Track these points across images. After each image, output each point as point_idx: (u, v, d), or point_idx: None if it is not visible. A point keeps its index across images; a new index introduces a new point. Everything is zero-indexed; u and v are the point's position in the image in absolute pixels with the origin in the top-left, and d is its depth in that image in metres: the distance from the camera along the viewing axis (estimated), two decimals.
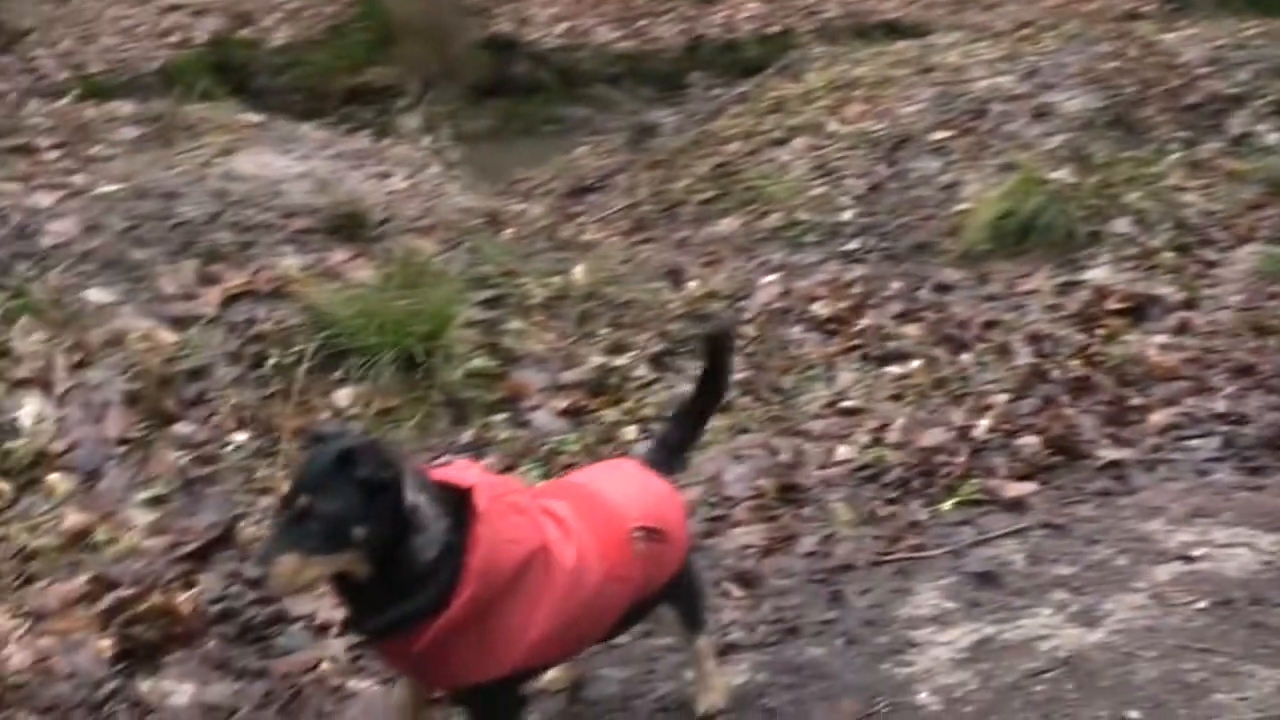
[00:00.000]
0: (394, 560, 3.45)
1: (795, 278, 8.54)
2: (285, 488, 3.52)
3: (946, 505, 5.74)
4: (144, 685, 4.61)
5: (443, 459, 6.06)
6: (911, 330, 7.58)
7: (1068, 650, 4.55)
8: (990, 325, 7.55)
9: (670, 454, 4.39)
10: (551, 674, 4.48)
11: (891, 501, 5.81)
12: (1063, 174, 9.12)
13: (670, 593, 4.14)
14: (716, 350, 4.45)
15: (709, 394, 4.46)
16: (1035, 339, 7.30)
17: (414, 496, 3.46)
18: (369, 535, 3.39)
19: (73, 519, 5.61)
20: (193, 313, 6.87)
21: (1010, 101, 10.60)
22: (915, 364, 7.13)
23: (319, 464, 3.44)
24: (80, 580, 5.21)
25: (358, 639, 4.10)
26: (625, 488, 4.04)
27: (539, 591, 3.58)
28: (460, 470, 3.71)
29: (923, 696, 4.36)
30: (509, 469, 6.05)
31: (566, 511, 3.80)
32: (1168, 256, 8.23)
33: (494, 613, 3.52)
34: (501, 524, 3.51)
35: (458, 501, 3.54)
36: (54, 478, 5.93)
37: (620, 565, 3.82)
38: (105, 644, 4.79)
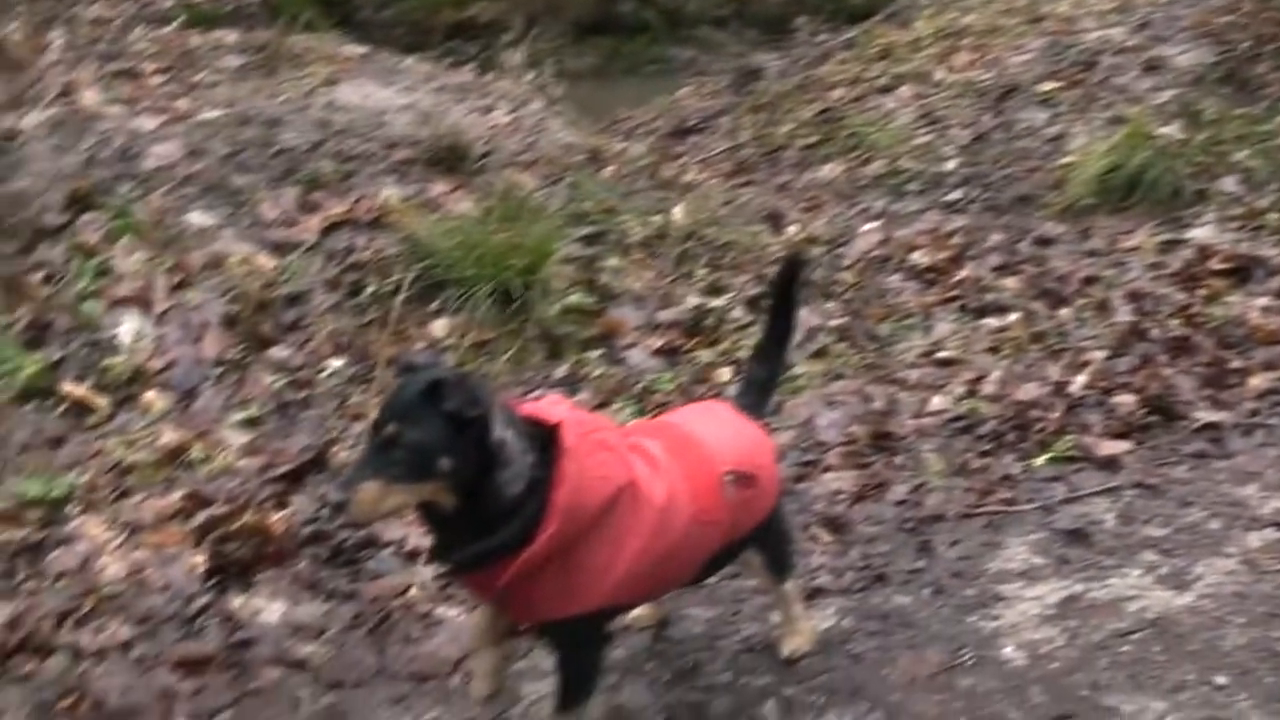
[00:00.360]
0: (479, 494, 3.45)
1: (896, 226, 8.49)
2: (375, 415, 3.53)
3: (1039, 460, 5.70)
4: (235, 601, 4.68)
5: (536, 393, 6.08)
6: (1010, 283, 7.51)
7: (1156, 612, 4.52)
8: (1090, 281, 7.46)
9: (760, 395, 4.39)
10: (637, 612, 4.48)
11: (984, 454, 5.77)
12: (1171, 129, 8.97)
13: (759, 538, 4.14)
14: (788, 280, 4.44)
15: (782, 325, 4.45)
16: (1135, 297, 7.20)
17: (501, 431, 3.45)
18: (454, 468, 3.40)
19: (169, 436, 5.69)
20: (292, 239, 6.92)
21: (1121, 54, 10.44)
22: (1013, 317, 7.06)
23: (408, 394, 3.45)
24: (175, 496, 5.29)
25: (443, 570, 4.12)
26: (719, 431, 4.03)
27: (625, 529, 3.58)
28: (549, 406, 3.69)
29: (1008, 651, 4.35)
30: (602, 406, 6.07)
31: (659, 451, 3.79)
32: (1274, 217, 8.08)
33: (579, 549, 3.52)
34: (589, 460, 3.51)
35: (545, 437, 3.54)
36: (151, 395, 6.01)
37: (710, 509, 3.81)
38: (198, 559, 4.86)
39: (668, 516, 3.65)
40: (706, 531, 3.80)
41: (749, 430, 4.11)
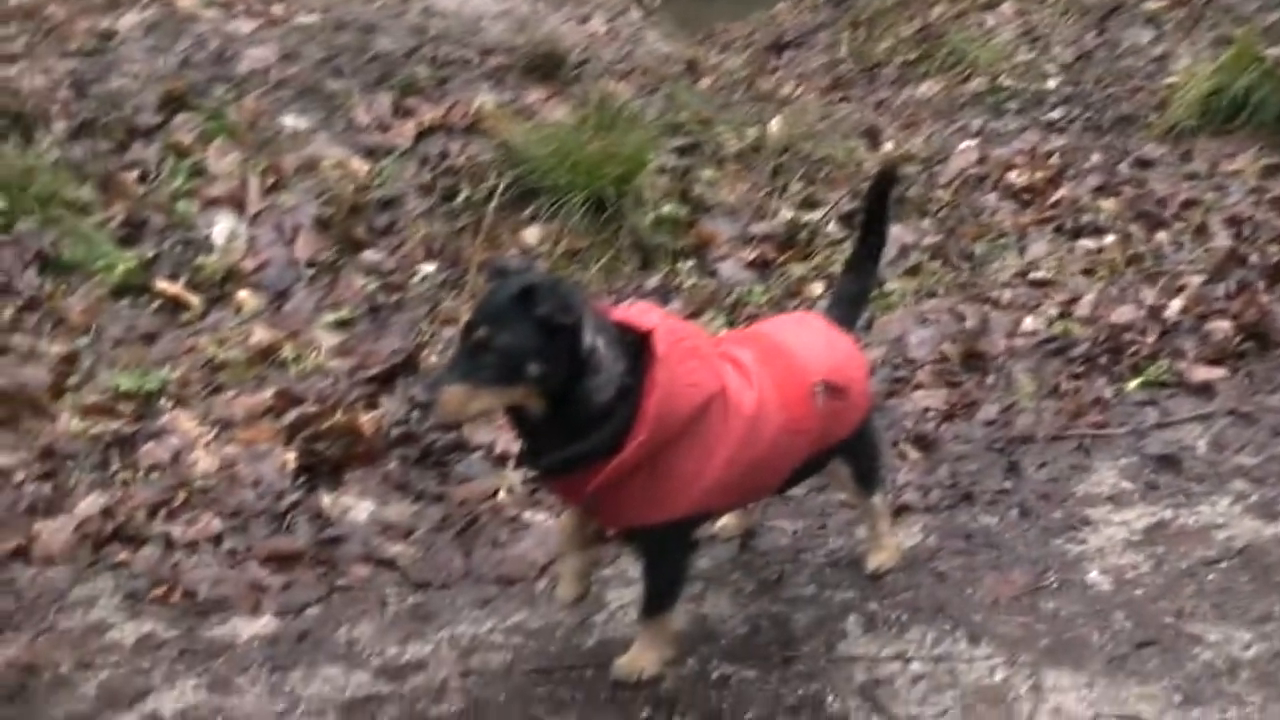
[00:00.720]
0: (569, 400, 3.45)
1: (993, 145, 8.42)
2: (466, 318, 3.52)
3: (1132, 385, 5.64)
4: (325, 499, 4.74)
5: (627, 303, 6.09)
6: (1108, 204, 7.43)
7: (1244, 541, 4.46)
8: (1189, 204, 7.36)
9: (851, 308, 4.36)
10: (723, 521, 4.51)
11: (1076, 377, 5.72)
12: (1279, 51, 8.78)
13: (847, 450, 4.12)
14: (880, 193, 4.40)
15: (875, 239, 4.41)
16: (1235, 222, 7.08)
17: (592, 338, 3.44)
18: (543, 373, 3.39)
19: (260, 335, 5.76)
20: (386, 144, 6.96)
21: None
22: (1109, 239, 6.99)
23: (500, 298, 3.45)
24: (266, 394, 5.35)
25: (532, 474, 4.12)
26: (810, 342, 4.00)
27: (715, 438, 3.57)
28: (641, 312, 3.67)
29: (1093, 575, 4.31)
30: (693, 317, 6.06)
31: (750, 360, 3.77)
32: None
33: (668, 457, 3.51)
34: (680, 368, 3.49)
35: (637, 344, 3.52)
36: (243, 294, 6.09)
37: (800, 418, 3.79)
38: (289, 457, 4.93)
39: (757, 426, 3.64)
40: (795, 441, 3.79)
41: (841, 342, 4.08)
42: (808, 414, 3.79)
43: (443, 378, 3.43)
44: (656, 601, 3.79)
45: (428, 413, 3.39)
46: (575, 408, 3.45)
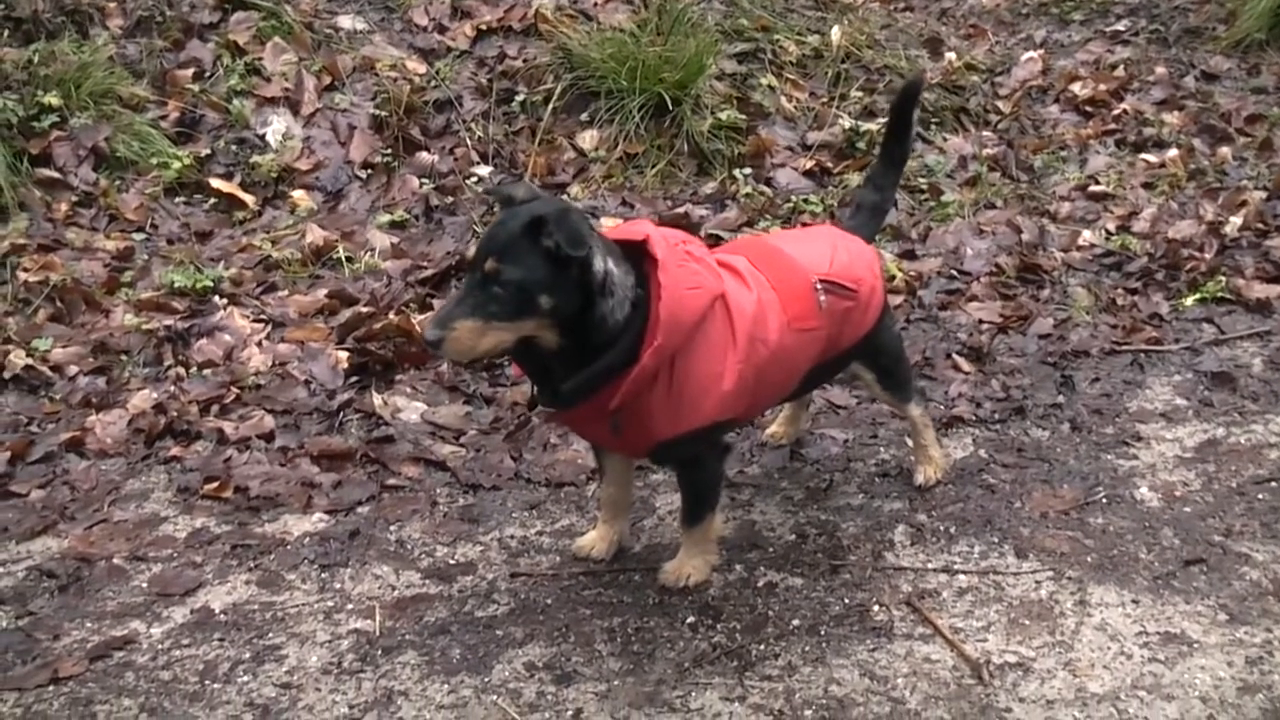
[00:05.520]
0: (584, 327, 3.39)
1: (1057, 56, 8.30)
2: (473, 250, 3.40)
3: (1189, 301, 5.61)
4: (376, 399, 4.76)
5: (682, 209, 6.08)
6: (1172, 118, 7.35)
7: None
8: (1255, 119, 7.29)
9: (869, 217, 4.34)
10: (773, 429, 4.54)
11: (1132, 292, 5.70)
12: None
13: (864, 352, 4.09)
14: (905, 104, 4.33)
15: (899, 150, 4.38)
16: None
17: (603, 263, 3.38)
18: (555, 305, 3.31)
19: (314, 235, 5.76)
20: (444, 45, 6.92)
21: None
22: (1171, 153, 6.92)
23: (508, 229, 3.34)
24: (320, 294, 5.38)
25: (548, 411, 3.97)
26: (810, 247, 3.97)
27: (724, 340, 3.54)
28: (633, 225, 3.65)
29: (1143, 491, 4.30)
30: (749, 224, 6.04)
31: (744, 265, 3.74)
32: None
33: (683, 364, 3.48)
34: (680, 271, 3.45)
35: (637, 254, 3.49)
36: (298, 194, 6.10)
37: (804, 315, 3.76)
38: (341, 356, 4.95)
39: (761, 323, 3.61)
40: (803, 339, 3.75)
41: (850, 245, 4.04)
42: (811, 311, 3.76)
43: (452, 313, 3.31)
44: (697, 510, 3.81)
45: (437, 351, 3.24)
46: (591, 333, 3.39)
